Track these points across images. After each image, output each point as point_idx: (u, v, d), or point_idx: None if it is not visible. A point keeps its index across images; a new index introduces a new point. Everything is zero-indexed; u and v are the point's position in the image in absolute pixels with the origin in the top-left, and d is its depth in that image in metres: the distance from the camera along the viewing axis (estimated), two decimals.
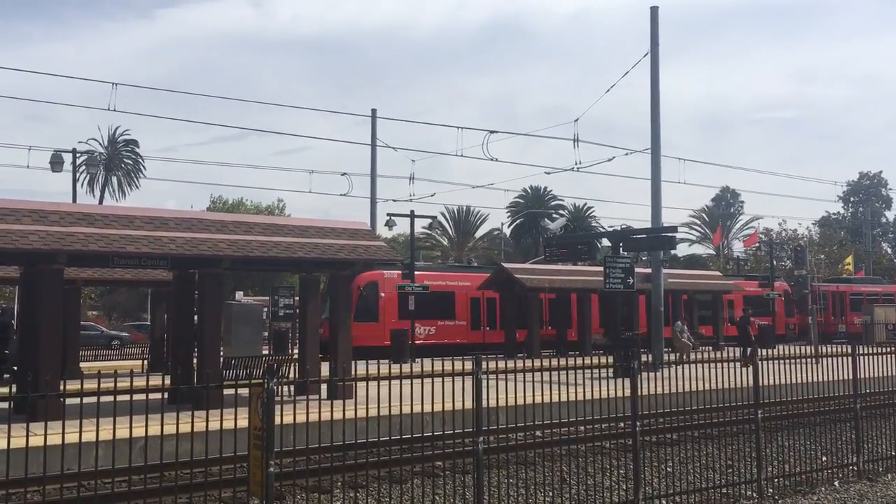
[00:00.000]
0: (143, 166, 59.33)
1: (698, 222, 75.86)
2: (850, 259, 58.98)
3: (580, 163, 29.35)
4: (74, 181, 34.24)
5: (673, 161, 53.68)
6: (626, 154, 30.36)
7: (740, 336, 27.50)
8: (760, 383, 10.01)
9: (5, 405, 11.99)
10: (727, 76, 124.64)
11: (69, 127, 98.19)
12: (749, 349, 25.20)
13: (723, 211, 77.42)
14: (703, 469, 10.22)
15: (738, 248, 70.55)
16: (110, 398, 6.75)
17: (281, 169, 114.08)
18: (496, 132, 29.63)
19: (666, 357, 23.14)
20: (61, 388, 6.87)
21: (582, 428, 11.34)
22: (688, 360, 10.99)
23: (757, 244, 57.07)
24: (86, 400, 6.77)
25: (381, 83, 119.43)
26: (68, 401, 6.83)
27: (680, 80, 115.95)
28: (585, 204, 67.21)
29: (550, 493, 8.98)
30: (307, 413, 7.74)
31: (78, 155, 34.62)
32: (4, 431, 8.96)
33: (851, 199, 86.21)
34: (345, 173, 35.37)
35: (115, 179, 59.10)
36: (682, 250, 70.22)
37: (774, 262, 45.20)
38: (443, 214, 64.39)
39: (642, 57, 25.23)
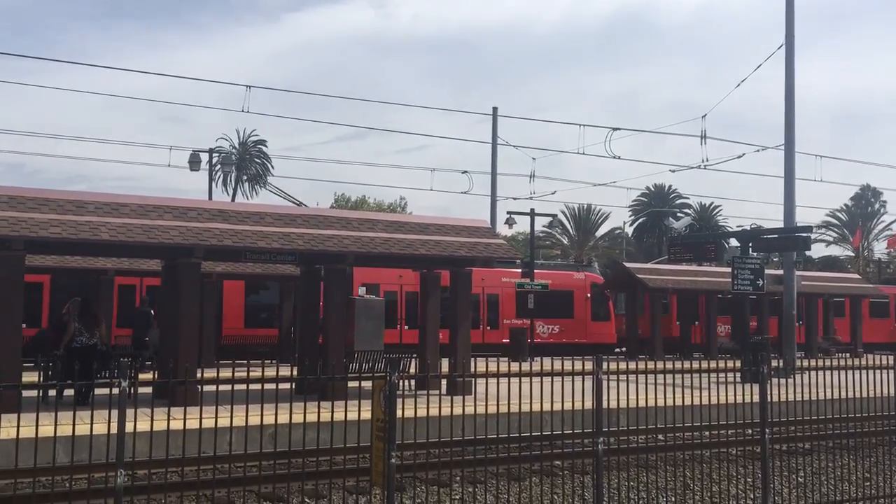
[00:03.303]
0: (272, 165, 61.81)
1: (835, 222, 71.92)
2: None
3: (707, 160, 28.37)
4: (210, 179, 36.09)
5: (808, 157, 51.10)
6: (757, 151, 29.15)
7: None
8: None
9: (148, 390, 12.81)
10: (867, 67, 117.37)
11: (205, 128, 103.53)
12: None
13: (863, 210, 73.02)
14: (837, 481, 9.71)
15: (879, 249, 66.45)
16: (243, 386, 7.08)
17: (403, 167, 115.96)
18: (619, 129, 29.15)
19: (798, 362, 22.11)
20: (198, 375, 7.28)
21: (707, 433, 11.00)
22: None
23: None
24: (220, 387, 7.13)
25: (502, 81, 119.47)
26: (205, 387, 7.21)
27: (814, 72, 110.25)
28: (712, 203, 65.10)
29: (673, 499, 8.77)
30: (427, 407, 7.86)
31: (213, 154, 36.44)
32: (147, 415, 9.56)
33: None
34: (465, 171, 35.66)
35: (245, 178, 61.83)
36: (817, 251, 66.85)
37: None
38: (563, 213, 63.82)
39: (776, 49, 24.20)
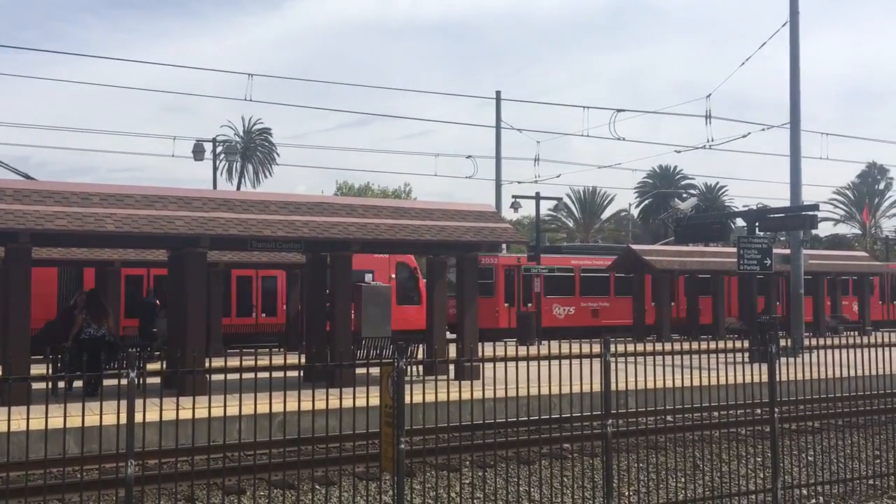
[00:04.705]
0: (277, 153, 61.82)
1: (842, 200, 71.64)
2: None
3: (712, 140, 28.16)
4: (215, 169, 36.06)
5: (814, 136, 50.96)
6: (763, 129, 28.97)
7: None
8: None
9: (157, 380, 12.85)
10: (874, 43, 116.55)
11: (209, 117, 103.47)
12: None
13: (869, 188, 72.67)
14: (847, 459, 9.70)
15: (887, 227, 66.20)
16: (251, 375, 7.10)
17: (406, 153, 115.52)
18: (623, 111, 28.99)
19: (806, 341, 22.08)
20: (206, 364, 7.30)
21: (716, 413, 11.00)
22: None
23: None
24: (229, 376, 7.14)
25: (506, 64, 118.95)
26: (213, 376, 7.22)
27: (821, 48, 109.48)
28: (717, 183, 65.00)
29: (682, 479, 8.77)
30: (436, 393, 7.87)
31: (217, 144, 36.41)
32: (157, 405, 9.59)
33: None
34: (470, 156, 35.66)
35: (250, 167, 61.85)
36: (824, 230, 66.69)
37: None
38: (568, 196, 63.81)
39: (780, 26, 24.00)
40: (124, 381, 6.22)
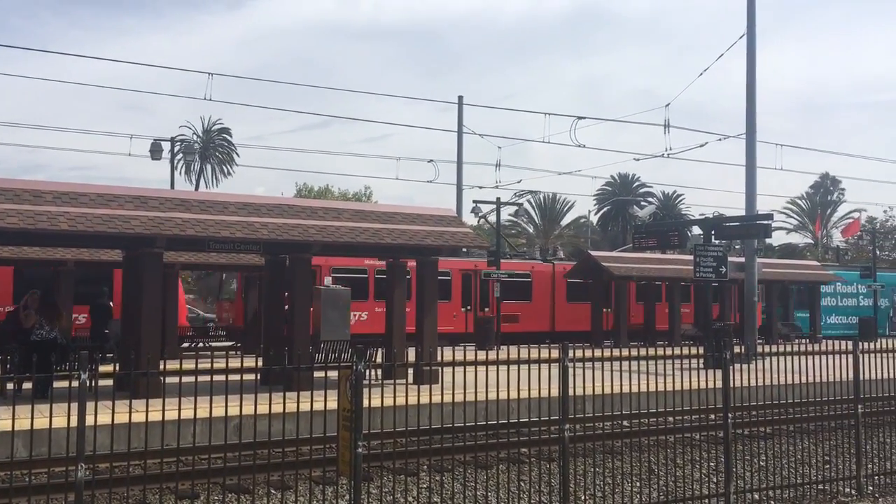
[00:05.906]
0: (237, 154, 61.15)
1: (795, 210, 73.14)
2: None
3: (670, 149, 28.65)
4: (172, 168, 35.51)
5: (769, 146, 51.93)
6: (720, 139, 29.54)
7: None
8: (861, 377, 9.60)
9: (109, 382, 12.61)
10: (828, 56, 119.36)
11: (167, 116, 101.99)
12: None
13: (822, 199, 74.33)
14: (798, 464, 9.88)
15: (837, 237, 67.74)
16: (207, 377, 6.99)
17: (367, 156, 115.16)
18: (584, 118, 29.31)
19: (759, 348, 22.48)
20: (161, 367, 7.18)
21: (671, 419, 11.13)
22: None
23: (858, 233, 54.64)
24: (184, 379, 7.03)
25: (467, 69, 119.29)
26: (168, 379, 7.11)
27: (777, 60, 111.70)
28: (675, 191, 65.96)
29: (637, 484, 8.86)
30: (394, 396, 7.84)
31: (176, 143, 35.88)
32: (109, 407, 9.39)
33: None
34: (431, 160, 35.59)
35: (209, 167, 61.11)
36: (777, 239, 68.05)
37: (878, 252, 43.12)
38: (528, 202, 64.09)
39: (738, 39, 24.48)
40: (75, 383, 6.09)
